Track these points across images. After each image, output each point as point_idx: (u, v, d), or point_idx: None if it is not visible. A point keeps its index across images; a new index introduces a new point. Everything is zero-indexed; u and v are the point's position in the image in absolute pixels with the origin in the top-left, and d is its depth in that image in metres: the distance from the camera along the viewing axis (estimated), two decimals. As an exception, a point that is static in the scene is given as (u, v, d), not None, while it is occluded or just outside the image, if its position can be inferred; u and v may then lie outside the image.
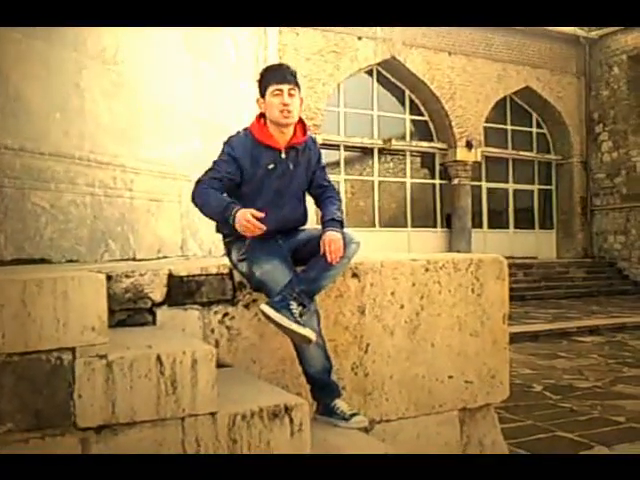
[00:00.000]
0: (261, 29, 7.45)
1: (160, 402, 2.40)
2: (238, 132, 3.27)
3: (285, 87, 3.16)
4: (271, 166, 3.18)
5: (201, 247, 5.92)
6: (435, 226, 19.72)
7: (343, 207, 3.42)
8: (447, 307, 3.77)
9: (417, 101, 19.18)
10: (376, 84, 18.70)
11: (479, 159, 19.32)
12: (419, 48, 18.23)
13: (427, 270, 3.72)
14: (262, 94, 3.22)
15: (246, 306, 3.29)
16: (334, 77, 17.28)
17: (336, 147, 17.99)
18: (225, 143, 3.23)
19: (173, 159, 5.69)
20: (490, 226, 20.33)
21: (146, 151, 5.41)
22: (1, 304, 2.22)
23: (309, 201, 3.40)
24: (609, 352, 9.22)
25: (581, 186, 21.03)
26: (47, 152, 4.49)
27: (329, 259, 3.04)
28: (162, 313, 3.12)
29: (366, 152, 18.91)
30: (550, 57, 20.29)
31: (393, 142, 18.58)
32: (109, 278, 2.94)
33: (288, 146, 3.22)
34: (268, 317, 2.98)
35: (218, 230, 3.33)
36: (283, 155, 3.21)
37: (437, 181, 19.79)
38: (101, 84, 5.03)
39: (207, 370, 2.48)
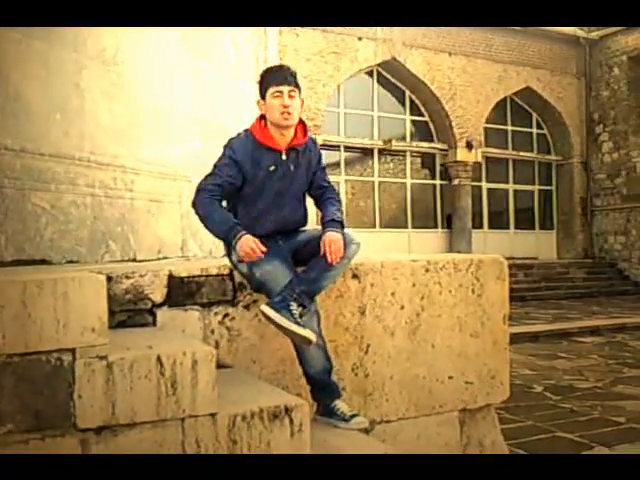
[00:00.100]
0: (261, 29, 7.46)
1: (160, 403, 2.40)
2: (239, 134, 3.27)
3: (285, 89, 3.15)
4: (272, 168, 3.18)
5: (201, 248, 5.92)
6: (435, 227, 19.72)
7: (343, 208, 3.43)
8: (447, 308, 3.77)
9: (417, 102, 19.19)
10: (376, 85, 18.71)
11: (479, 160, 19.32)
12: (419, 49, 18.24)
13: (427, 271, 3.72)
14: (262, 96, 3.22)
15: (246, 307, 3.29)
16: (334, 78, 17.28)
17: (336, 148, 17.99)
18: (226, 146, 3.22)
19: (173, 159, 5.69)
20: (490, 227, 20.33)
21: (146, 151, 5.41)
22: (1, 305, 2.22)
23: (309, 202, 3.40)
24: (609, 353, 9.21)
25: (581, 187, 21.04)
26: (47, 153, 4.49)
27: (329, 260, 3.04)
28: (162, 314, 3.11)
29: (366, 153, 18.92)
30: (550, 58, 20.30)
31: (393, 143, 18.58)
32: (109, 279, 2.94)
33: (289, 147, 3.22)
34: (268, 318, 2.98)
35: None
36: (284, 156, 3.21)
37: (437, 182, 19.79)
38: (101, 84, 5.03)
39: (207, 371, 2.48)
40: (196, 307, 3.19)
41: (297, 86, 3.20)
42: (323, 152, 3.47)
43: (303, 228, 3.36)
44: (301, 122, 3.29)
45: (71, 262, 4.58)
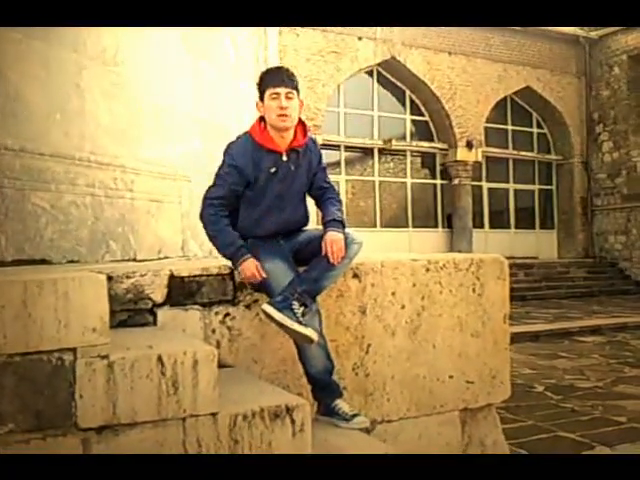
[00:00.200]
0: (261, 30, 7.46)
1: (161, 402, 2.40)
2: (238, 137, 3.27)
3: (282, 90, 3.15)
4: (273, 169, 3.18)
5: (201, 248, 5.92)
6: (436, 226, 19.72)
7: (344, 208, 3.43)
8: (448, 307, 3.77)
9: (417, 101, 19.18)
10: (376, 84, 18.70)
11: (480, 159, 19.31)
12: (419, 48, 18.23)
13: (428, 270, 3.72)
14: (261, 98, 3.22)
15: (247, 306, 3.29)
16: (334, 78, 17.28)
17: (336, 147, 17.99)
18: (225, 152, 3.22)
19: (173, 159, 5.69)
20: (491, 226, 20.33)
21: (146, 151, 5.41)
22: (2, 305, 2.22)
23: (310, 202, 3.40)
24: (610, 352, 9.21)
25: (582, 186, 21.03)
26: (47, 153, 4.49)
27: (331, 259, 3.04)
28: (163, 314, 3.11)
29: (366, 152, 18.92)
30: (550, 57, 20.29)
31: (393, 142, 18.58)
32: (110, 279, 2.94)
33: (289, 148, 3.22)
34: (270, 317, 2.98)
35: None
36: (284, 158, 3.20)
37: (438, 181, 19.79)
38: (101, 84, 5.03)
39: (208, 370, 2.48)
40: (197, 307, 3.19)
41: (295, 87, 3.19)
42: (323, 152, 3.46)
43: (304, 228, 3.36)
44: (301, 123, 3.29)
45: (71, 262, 4.58)
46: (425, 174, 19.92)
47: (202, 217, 3.21)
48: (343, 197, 15.91)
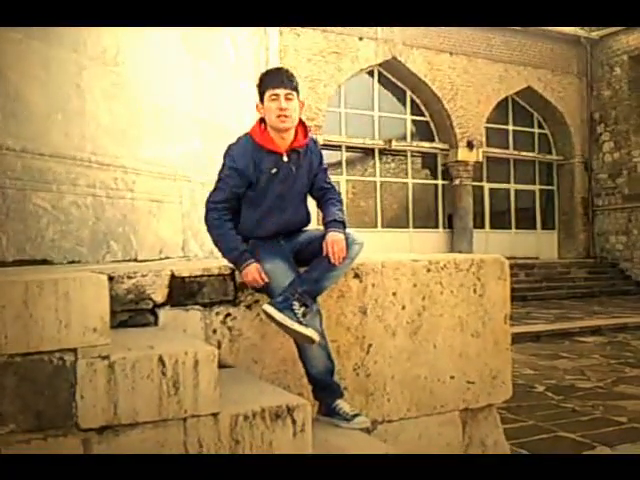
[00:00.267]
0: (261, 30, 7.46)
1: (162, 403, 2.40)
2: (238, 138, 3.27)
3: (282, 92, 3.15)
4: (274, 170, 3.18)
5: (202, 248, 5.92)
6: (437, 226, 19.72)
7: (345, 208, 3.42)
8: (449, 307, 3.77)
9: (418, 101, 19.19)
10: (377, 85, 18.71)
11: (480, 159, 19.32)
12: (420, 48, 18.24)
13: (429, 270, 3.72)
14: (261, 99, 3.22)
15: (248, 307, 3.29)
16: (335, 78, 17.28)
17: (337, 148, 18.00)
18: (225, 154, 3.23)
19: (173, 159, 5.69)
20: (492, 226, 20.33)
21: (146, 152, 5.42)
22: (3, 305, 2.22)
23: (310, 202, 3.40)
24: (611, 352, 9.21)
25: (583, 186, 21.03)
26: (48, 153, 4.49)
27: (332, 260, 3.04)
28: (164, 314, 3.12)
29: (367, 153, 18.92)
30: (551, 57, 20.29)
31: (394, 143, 18.58)
32: (111, 279, 2.94)
33: (289, 149, 3.22)
34: (271, 317, 2.98)
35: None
36: (285, 158, 3.21)
37: (439, 181, 19.80)
38: (101, 85, 5.03)
39: (209, 371, 2.48)
40: (198, 307, 3.19)
41: (294, 89, 3.19)
42: (324, 152, 3.46)
43: (305, 228, 3.36)
44: (302, 123, 3.29)
45: (72, 262, 4.58)
46: (426, 174, 19.93)
47: (206, 221, 3.23)
48: (344, 197, 15.87)
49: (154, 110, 5.53)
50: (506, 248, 18.13)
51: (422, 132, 19.49)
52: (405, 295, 3.65)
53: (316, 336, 2.96)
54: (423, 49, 18.30)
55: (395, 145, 18.62)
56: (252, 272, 3.07)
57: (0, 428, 2.21)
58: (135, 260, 5.14)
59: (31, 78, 4.48)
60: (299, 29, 16.18)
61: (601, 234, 20.86)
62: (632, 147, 19.84)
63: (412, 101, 19.18)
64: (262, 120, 3.24)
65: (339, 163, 18.20)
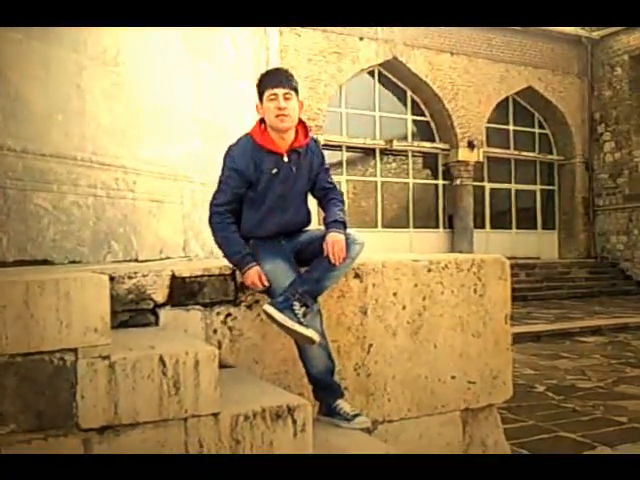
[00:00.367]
0: (262, 30, 7.46)
1: (163, 403, 2.40)
2: (239, 139, 3.27)
3: (280, 91, 3.15)
4: (274, 170, 3.19)
5: (203, 248, 5.92)
6: (437, 226, 19.72)
7: (345, 208, 3.43)
8: (449, 307, 3.77)
9: (419, 101, 19.19)
10: (378, 85, 18.71)
11: (481, 159, 19.31)
12: (421, 49, 18.23)
13: (429, 270, 3.72)
14: (260, 99, 3.23)
15: (248, 307, 3.29)
16: (336, 78, 17.28)
17: (338, 148, 18.00)
18: (226, 155, 3.23)
19: (173, 159, 5.69)
20: (492, 226, 20.32)
21: (146, 152, 5.42)
22: (4, 305, 2.23)
23: (311, 202, 3.40)
24: (611, 352, 9.20)
25: (583, 186, 21.02)
26: (49, 153, 4.49)
27: (332, 260, 3.04)
28: (165, 314, 3.12)
29: (368, 153, 18.92)
30: (552, 57, 20.29)
31: (395, 143, 18.58)
32: (112, 279, 2.94)
33: (290, 149, 3.22)
34: (271, 317, 2.99)
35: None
36: (285, 159, 3.21)
37: (439, 181, 19.79)
38: (102, 85, 5.04)
39: (209, 371, 2.48)
40: (198, 307, 3.19)
41: (293, 88, 3.19)
42: (325, 152, 3.47)
43: (306, 228, 3.36)
44: (302, 123, 3.30)
45: (73, 262, 4.58)
46: (427, 174, 19.92)
47: (210, 224, 3.25)
48: (345, 197, 15.91)
49: (154, 110, 5.54)
50: (507, 248, 18.13)
51: (423, 132, 19.49)
52: (406, 295, 3.65)
53: (316, 336, 2.96)
54: (424, 49, 18.29)
55: (396, 145, 18.62)
56: (252, 276, 3.09)
57: (1, 428, 2.21)
58: (136, 260, 5.14)
59: (31, 78, 4.48)
60: (299, 29, 16.18)
61: (602, 234, 20.86)
62: (633, 147, 19.82)
63: (413, 101, 19.18)
64: (262, 120, 3.24)
65: (340, 163, 18.19)
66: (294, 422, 2.59)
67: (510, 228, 20.70)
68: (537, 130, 21.20)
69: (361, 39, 17.43)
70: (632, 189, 19.82)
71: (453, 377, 3.77)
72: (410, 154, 19.39)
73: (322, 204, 3.36)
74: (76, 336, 2.33)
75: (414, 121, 19.41)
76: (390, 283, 3.61)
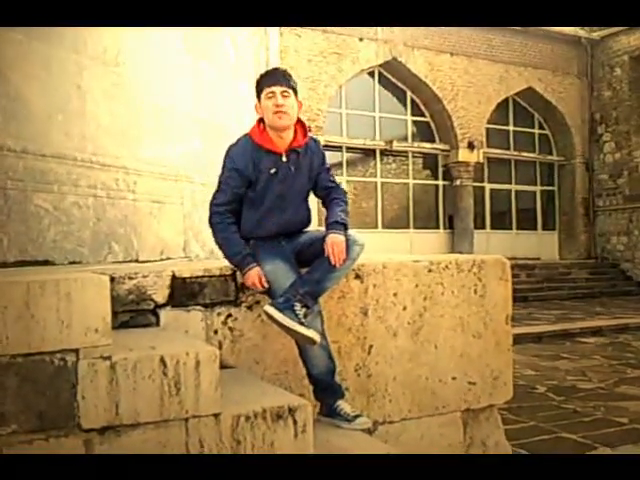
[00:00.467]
0: (262, 30, 7.47)
1: (163, 403, 2.40)
2: (238, 139, 3.28)
3: (277, 89, 3.17)
4: (273, 170, 3.19)
5: (203, 248, 5.92)
6: (438, 227, 19.71)
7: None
8: (450, 308, 3.76)
9: (419, 102, 19.18)
10: (378, 85, 18.70)
11: (481, 160, 19.30)
12: (421, 49, 18.24)
13: (430, 271, 3.72)
14: (258, 99, 3.24)
15: (249, 307, 3.29)
16: (336, 79, 17.28)
17: (338, 148, 17.99)
18: (226, 155, 3.24)
19: (174, 160, 5.70)
20: (493, 227, 20.32)
21: (146, 152, 5.42)
22: (4, 306, 2.22)
23: (312, 202, 3.40)
24: (612, 353, 9.20)
25: (583, 187, 21.02)
26: (49, 154, 4.50)
27: (333, 261, 3.04)
28: (165, 314, 3.12)
29: (368, 153, 18.91)
30: (552, 58, 20.29)
31: (395, 143, 18.57)
32: (112, 280, 2.94)
33: (289, 149, 3.23)
34: (272, 318, 2.99)
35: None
36: (284, 158, 3.21)
37: (439, 182, 19.79)
38: (102, 85, 5.04)
39: (210, 371, 2.48)
40: (199, 308, 3.19)
41: (291, 87, 3.20)
42: (325, 153, 3.46)
43: (307, 229, 3.36)
44: (301, 123, 3.30)
45: (74, 263, 4.59)
46: (427, 175, 19.92)
47: (210, 224, 3.25)
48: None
49: (154, 110, 5.54)
50: (507, 249, 18.12)
51: (423, 133, 19.49)
52: (406, 296, 3.65)
53: (317, 337, 2.96)
54: (424, 50, 18.29)
55: (396, 146, 18.61)
56: (253, 276, 3.09)
57: (2, 428, 2.21)
58: (136, 261, 5.14)
59: (31, 78, 4.48)
60: (299, 30, 16.19)
61: (602, 235, 20.85)
62: (633, 147, 19.82)
63: (413, 102, 19.17)
64: (261, 120, 3.25)
65: (340, 164, 18.18)
66: (295, 423, 2.59)
67: (510, 229, 20.69)
68: (537, 131, 21.20)
69: (361, 40, 17.43)
70: (632, 190, 19.82)
71: (454, 378, 3.76)
72: (410, 155, 19.39)
73: (325, 203, 3.36)
74: (77, 336, 2.33)
75: (414, 122, 19.41)
76: (391, 284, 3.61)
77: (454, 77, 18.76)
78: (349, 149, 18.45)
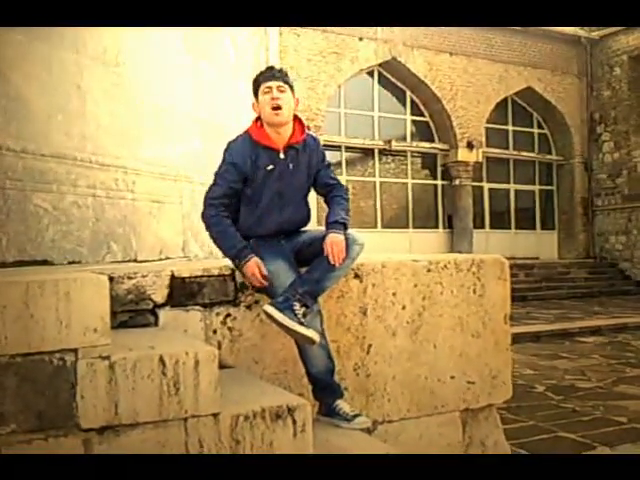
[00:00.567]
0: (262, 30, 7.47)
1: (162, 403, 2.40)
2: (237, 136, 3.29)
3: (274, 84, 3.20)
4: (270, 167, 3.19)
5: (202, 248, 5.92)
6: (437, 227, 19.72)
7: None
8: (449, 308, 3.77)
9: (418, 102, 19.18)
10: (377, 85, 18.71)
11: (480, 160, 19.31)
12: (420, 49, 18.24)
13: (429, 271, 3.72)
14: (256, 96, 3.26)
15: (248, 307, 3.29)
16: (335, 78, 17.28)
17: (337, 148, 17.99)
18: (225, 151, 3.26)
19: (173, 160, 5.70)
20: (492, 227, 20.33)
21: (146, 152, 5.42)
22: (4, 305, 2.22)
23: (310, 201, 3.40)
24: (611, 352, 9.21)
25: (582, 186, 21.03)
26: (49, 154, 4.49)
27: (332, 261, 3.04)
28: (164, 314, 3.12)
29: (367, 153, 18.92)
30: (551, 58, 20.30)
31: (394, 143, 18.58)
32: (111, 279, 2.94)
33: (287, 146, 3.23)
34: (271, 318, 2.99)
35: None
36: (282, 155, 3.22)
37: (438, 182, 19.79)
38: (102, 85, 5.04)
39: (209, 371, 2.48)
40: (198, 307, 3.19)
41: (287, 83, 3.23)
42: (324, 152, 3.47)
43: (306, 228, 3.36)
44: (298, 120, 3.31)
45: (73, 263, 4.59)
46: (426, 175, 19.92)
47: (204, 218, 3.23)
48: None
49: (154, 110, 5.54)
50: (506, 248, 18.14)
51: (422, 132, 19.49)
52: (405, 295, 3.65)
53: (317, 337, 2.96)
54: (423, 49, 18.30)
55: (395, 145, 18.62)
56: (252, 266, 3.07)
57: (1, 428, 2.21)
58: (135, 261, 5.14)
59: (32, 78, 4.48)
60: (299, 29, 16.18)
61: (601, 234, 20.86)
62: (632, 147, 19.83)
63: (412, 101, 19.18)
64: (258, 118, 3.27)
65: (339, 163, 18.18)
66: (294, 422, 2.59)
67: (509, 228, 20.70)
68: (536, 130, 21.20)
69: (360, 39, 17.43)
70: (631, 189, 19.83)
71: (453, 377, 3.77)
72: (409, 154, 19.39)
73: (326, 201, 3.36)
74: (76, 336, 2.33)
75: (413, 121, 19.41)
76: (390, 283, 3.61)
77: (453, 77, 18.76)
78: (348, 149, 18.45)
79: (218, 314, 3.23)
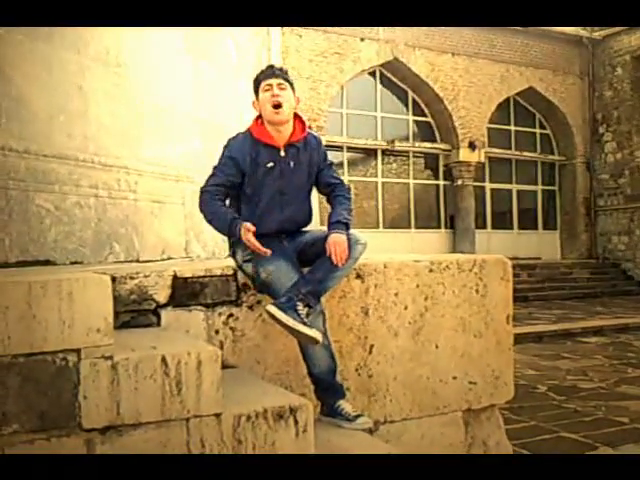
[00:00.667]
0: (264, 30, 7.47)
1: (165, 403, 2.40)
2: (238, 134, 3.30)
3: (274, 81, 3.21)
4: (270, 164, 3.20)
5: (204, 249, 5.92)
6: (439, 227, 19.71)
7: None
8: (451, 308, 3.77)
9: (420, 102, 19.18)
10: (379, 85, 18.70)
11: (482, 160, 19.30)
12: (422, 49, 18.23)
13: (431, 271, 3.72)
14: (256, 95, 3.28)
15: (250, 307, 3.29)
16: (337, 79, 17.27)
17: (339, 148, 17.98)
18: (224, 147, 3.27)
19: (174, 160, 5.70)
20: (494, 227, 20.31)
21: (148, 152, 5.43)
22: (6, 306, 2.23)
23: (313, 200, 3.40)
24: (613, 353, 9.19)
25: (585, 187, 21.00)
26: (51, 154, 4.50)
27: (334, 261, 3.04)
28: (166, 314, 3.12)
29: (369, 153, 18.91)
30: (553, 58, 20.28)
31: (396, 143, 18.57)
32: (114, 280, 2.94)
33: (287, 144, 3.24)
34: (274, 318, 2.98)
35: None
36: (282, 153, 3.22)
37: (441, 182, 19.78)
38: (103, 86, 5.05)
39: (212, 371, 2.49)
40: (200, 307, 3.19)
41: (287, 81, 3.24)
42: (326, 152, 3.47)
43: (308, 228, 3.36)
44: (299, 118, 3.31)
45: (75, 263, 4.59)
46: (428, 175, 19.91)
47: (200, 205, 3.24)
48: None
49: (155, 110, 5.54)
50: (508, 248, 18.10)
51: (424, 133, 19.48)
52: (407, 295, 3.65)
53: (319, 336, 2.96)
54: (425, 50, 18.29)
55: (397, 146, 18.61)
56: (244, 233, 3.04)
57: (4, 428, 2.21)
58: (137, 261, 5.15)
59: (33, 79, 4.49)
60: (301, 30, 16.18)
61: (603, 234, 20.83)
62: (634, 147, 19.80)
63: (414, 102, 19.16)
64: (259, 117, 3.28)
65: (341, 164, 18.17)
66: (296, 422, 2.59)
67: (511, 228, 20.68)
68: (538, 130, 21.18)
69: (362, 40, 17.42)
70: (633, 189, 19.80)
71: (455, 378, 3.76)
72: (411, 155, 19.38)
73: (329, 200, 3.36)
74: (79, 336, 2.33)
75: (415, 122, 19.40)
76: (392, 283, 3.61)
77: (455, 77, 18.76)
78: (350, 149, 18.45)
79: (220, 314, 3.23)
